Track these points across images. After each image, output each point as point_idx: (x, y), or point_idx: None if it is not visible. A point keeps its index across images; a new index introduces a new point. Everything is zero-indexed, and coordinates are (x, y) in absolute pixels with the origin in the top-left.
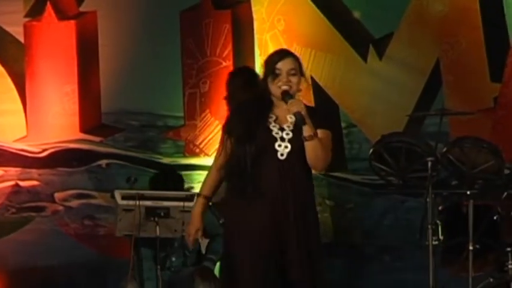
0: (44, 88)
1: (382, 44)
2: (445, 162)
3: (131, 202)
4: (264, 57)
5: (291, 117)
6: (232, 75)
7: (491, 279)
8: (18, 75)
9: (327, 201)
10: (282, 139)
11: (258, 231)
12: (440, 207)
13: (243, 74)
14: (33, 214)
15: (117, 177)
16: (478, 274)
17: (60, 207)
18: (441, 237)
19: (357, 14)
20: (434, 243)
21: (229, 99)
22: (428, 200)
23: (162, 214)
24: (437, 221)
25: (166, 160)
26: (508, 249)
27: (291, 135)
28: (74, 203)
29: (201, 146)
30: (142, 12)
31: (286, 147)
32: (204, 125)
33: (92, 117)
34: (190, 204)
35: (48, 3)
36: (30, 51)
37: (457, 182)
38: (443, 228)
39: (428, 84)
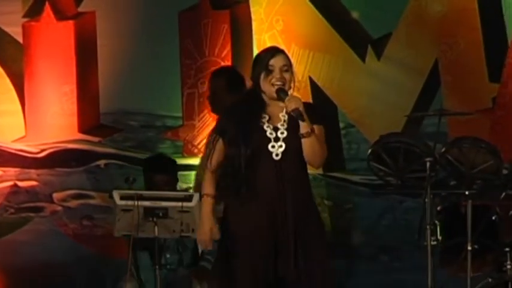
0: (42, 88)
1: (380, 44)
2: (444, 163)
3: (130, 202)
4: None
5: (283, 116)
6: (214, 75)
7: (490, 280)
8: (16, 75)
9: (326, 202)
10: (276, 139)
11: (257, 231)
12: (438, 208)
13: (225, 73)
14: (31, 214)
15: (115, 177)
16: (476, 274)
17: (59, 208)
18: (440, 238)
19: (355, 15)
20: (432, 243)
21: (212, 98)
22: (426, 200)
23: (160, 214)
24: (436, 221)
25: None
26: (507, 249)
27: (285, 134)
28: (73, 203)
29: (200, 146)
30: (141, 13)
31: (280, 146)
32: (203, 125)
33: (90, 118)
34: (189, 204)
35: (46, 3)
36: (28, 51)
37: (455, 182)
38: (441, 228)
39: (426, 85)
